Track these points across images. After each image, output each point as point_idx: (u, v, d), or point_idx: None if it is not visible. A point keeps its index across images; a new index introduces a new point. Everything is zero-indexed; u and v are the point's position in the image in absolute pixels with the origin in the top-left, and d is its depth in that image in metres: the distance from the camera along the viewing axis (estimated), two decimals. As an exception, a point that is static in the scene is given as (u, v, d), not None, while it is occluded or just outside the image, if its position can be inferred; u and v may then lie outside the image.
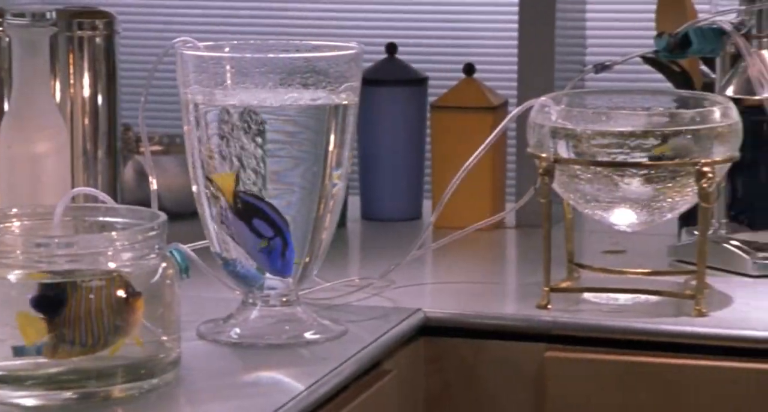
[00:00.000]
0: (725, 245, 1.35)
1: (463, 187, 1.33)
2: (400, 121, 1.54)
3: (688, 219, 1.39)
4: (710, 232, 1.38)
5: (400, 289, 1.28)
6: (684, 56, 1.36)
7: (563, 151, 1.22)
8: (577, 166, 1.21)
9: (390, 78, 1.54)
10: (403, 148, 1.54)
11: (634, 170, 1.19)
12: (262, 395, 1.02)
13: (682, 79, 1.46)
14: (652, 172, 1.20)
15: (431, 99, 1.54)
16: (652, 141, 1.19)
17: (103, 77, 1.34)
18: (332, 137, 1.11)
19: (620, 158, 1.20)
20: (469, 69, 1.52)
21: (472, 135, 1.39)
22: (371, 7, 1.77)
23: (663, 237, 1.42)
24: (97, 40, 1.34)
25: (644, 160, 1.19)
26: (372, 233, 1.53)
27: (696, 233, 1.31)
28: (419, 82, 1.55)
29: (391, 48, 1.55)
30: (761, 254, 1.33)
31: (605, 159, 1.20)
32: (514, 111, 1.27)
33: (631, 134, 1.20)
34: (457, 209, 1.43)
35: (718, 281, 1.30)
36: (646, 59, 1.46)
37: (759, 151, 1.44)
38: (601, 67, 1.36)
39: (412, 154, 1.55)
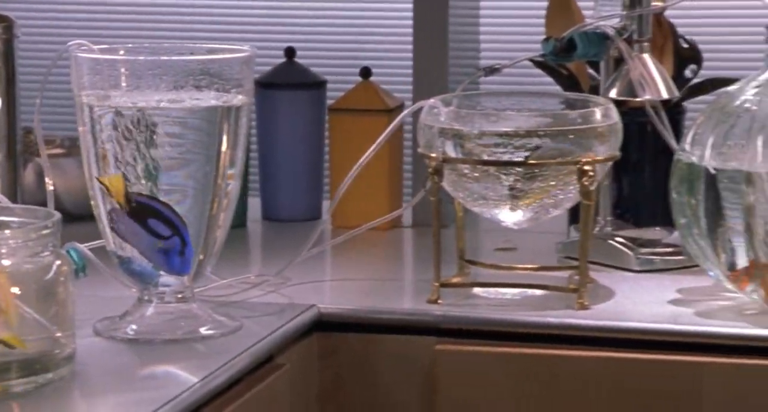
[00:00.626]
0: (610, 241, 1.41)
1: (360, 188, 1.38)
2: (299, 123, 1.57)
3: (577, 217, 1.44)
4: (597, 229, 1.44)
5: (296, 286, 1.31)
6: (570, 60, 1.41)
7: (451, 151, 1.26)
8: (464, 166, 1.25)
9: (289, 82, 1.57)
10: (302, 150, 1.58)
11: (519, 169, 1.24)
12: (157, 388, 1.04)
13: (569, 82, 1.51)
14: (536, 170, 1.25)
15: (330, 102, 1.58)
16: (535, 140, 1.24)
17: (2, 81, 1.36)
18: (225, 138, 1.14)
19: (505, 157, 1.24)
20: (365, 72, 1.56)
21: (368, 137, 1.42)
22: (271, 12, 1.80)
23: (553, 235, 1.47)
24: (-4, 44, 1.35)
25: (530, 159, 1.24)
26: (272, 232, 1.56)
27: (583, 230, 1.36)
28: (317, 85, 1.58)
29: (290, 52, 1.59)
30: (644, 250, 1.39)
31: (491, 158, 1.24)
32: (404, 112, 1.31)
33: (515, 134, 1.24)
34: (355, 209, 1.48)
35: (602, 276, 1.35)
36: (536, 62, 1.51)
37: (643, 151, 1.50)
38: (490, 70, 1.41)
39: (311, 156, 1.58)
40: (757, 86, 1.24)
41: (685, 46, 1.52)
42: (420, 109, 1.29)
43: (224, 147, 1.14)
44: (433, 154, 1.27)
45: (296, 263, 1.33)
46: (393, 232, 1.54)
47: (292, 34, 1.74)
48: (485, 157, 1.24)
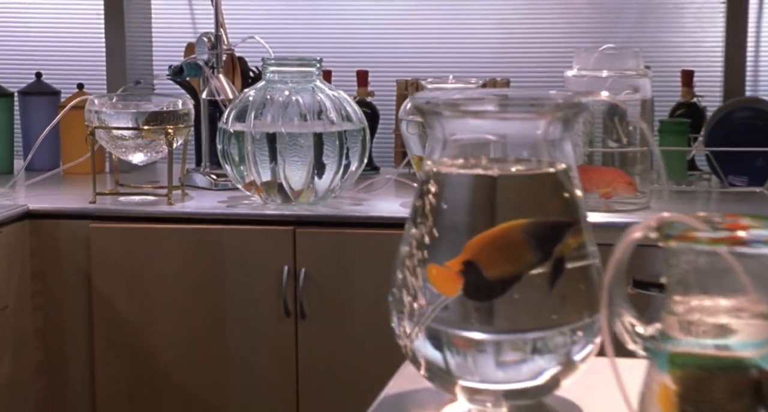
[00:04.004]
0: (205, 176, 2.42)
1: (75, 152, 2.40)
2: (45, 116, 2.58)
3: (198, 162, 2.46)
4: (201, 168, 2.45)
5: (19, 199, 2.31)
6: (182, 78, 2.43)
7: (98, 122, 2.27)
8: (104, 130, 2.27)
9: (37, 92, 2.57)
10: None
11: (133, 132, 2.25)
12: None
13: (191, 92, 2.54)
14: (148, 133, 2.26)
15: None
16: (143, 116, 2.26)
17: None
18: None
19: (129, 124, 2.26)
20: (80, 86, 2.57)
21: (81, 121, 2.43)
22: (22, 43, 2.80)
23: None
24: None
25: (138, 125, 2.26)
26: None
27: (189, 170, 2.39)
28: (55, 94, 2.58)
29: (38, 75, 2.60)
30: (222, 179, 2.40)
31: (120, 125, 2.26)
32: (70, 104, 2.33)
33: (132, 113, 2.26)
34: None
35: (197, 194, 2.36)
36: (172, 79, 2.53)
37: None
38: (136, 82, 2.43)
39: (52, 134, 2.60)
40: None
41: (256, 71, 2.55)
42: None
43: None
44: (92, 125, 2.28)
45: (18, 189, 2.33)
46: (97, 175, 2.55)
47: (40, 62, 2.75)
48: (120, 125, 2.26)
